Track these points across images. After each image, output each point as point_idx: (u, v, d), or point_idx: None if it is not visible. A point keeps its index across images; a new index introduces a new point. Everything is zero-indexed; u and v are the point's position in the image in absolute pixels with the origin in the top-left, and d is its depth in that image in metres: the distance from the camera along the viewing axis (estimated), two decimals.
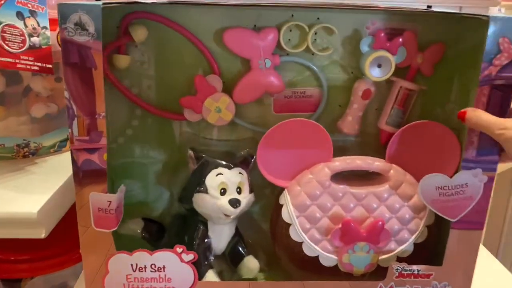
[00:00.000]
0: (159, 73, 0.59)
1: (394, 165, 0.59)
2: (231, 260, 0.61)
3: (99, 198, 0.50)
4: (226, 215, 0.56)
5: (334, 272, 0.58)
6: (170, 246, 0.54)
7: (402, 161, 0.59)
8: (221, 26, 0.57)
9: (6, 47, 0.48)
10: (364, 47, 0.57)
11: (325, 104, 0.62)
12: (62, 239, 0.61)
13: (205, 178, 0.56)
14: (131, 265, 0.53)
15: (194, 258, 0.53)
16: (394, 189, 0.58)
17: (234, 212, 0.55)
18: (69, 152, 0.48)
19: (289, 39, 0.58)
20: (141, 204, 0.65)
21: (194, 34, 0.57)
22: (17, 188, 0.50)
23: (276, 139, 0.57)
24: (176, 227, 0.61)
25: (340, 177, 0.59)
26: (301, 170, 0.58)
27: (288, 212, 0.57)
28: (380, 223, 0.57)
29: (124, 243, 0.55)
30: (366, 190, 0.58)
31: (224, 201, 0.55)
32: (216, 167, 0.56)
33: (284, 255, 0.60)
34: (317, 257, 0.58)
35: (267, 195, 0.64)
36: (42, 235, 0.47)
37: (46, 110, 0.59)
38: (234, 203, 0.55)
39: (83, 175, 0.49)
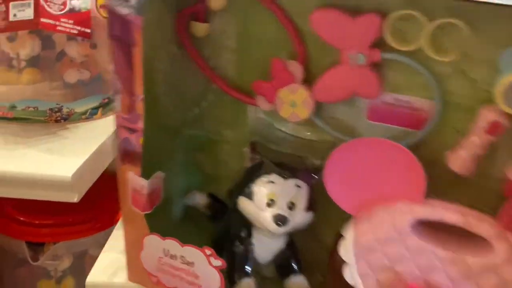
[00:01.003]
0: (239, 48, 0.51)
1: (509, 234, 0.41)
2: (278, 271, 0.54)
3: (134, 179, 0.47)
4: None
5: None
6: (221, 233, 0.50)
7: None
8: (318, 4, 0.45)
9: (47, 8, 0.46)
10: (504, 62, 0.38)
11: (436, 123, 0.46)
12: (87, 207, 0.62)
13: (253, 182, 0.48)
14: (163, 249, 0.51)
15: (222, 265, 0.48)
16: (499, 267, 0.41)
17: (277, 230, 0.47)
18: (100, 119, 0.46)
19: (400, 30, 0.43)
20: (211, 179, 0.61)
21: (282, 8, 0.47)
22: (51, 151, 0.51)
23: (354, 155, 0.46)
24: (229, 216, 0.56)
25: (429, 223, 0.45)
26: (377, 201, 0.46)
27: (347, 248, 0.47)
28: None
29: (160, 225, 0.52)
30: (458, 255, 0.43)
31: (268, 214, 0.47)
32: (269, 173, 0.48)
33: None
34: None
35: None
36: (75, 199, 0.47)
37: (79, 76, 0.58)
38: (279, 220, 0.47)
39: (123, 152, 0.47)
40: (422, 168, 0.43)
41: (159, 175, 0.48)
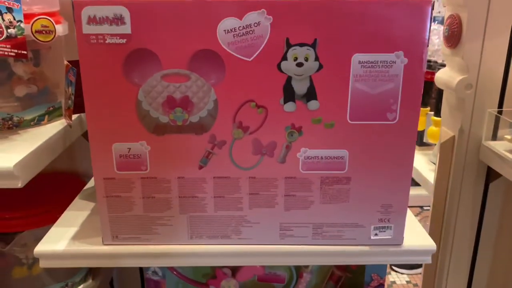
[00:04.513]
0: None
1: None
2: None
3: None
4: None
5: None
6: None
7: None
8: None
9: None
10: None
11: None
12: (45, 201, 0.79)
13: None
14: None
15: None
16: None
17: None
18: (47, 125, 0.69)
19: None
20: None
21: None
22: (1, 151, 0.62)
23: None
24: None
25: None
26: None
27: None
28: None
29: None
30: None
31: None
32: None
33: None
34: None
35: None
36: (19, 185, 0.58)
37: (27, 90, 0.72)
38: None
39: None
40: None
41: None
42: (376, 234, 0.61)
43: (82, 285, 0.87)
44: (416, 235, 0.65)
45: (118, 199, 0.60)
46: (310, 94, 0.55)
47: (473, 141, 0.84)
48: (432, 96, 1.13)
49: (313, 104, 0.55)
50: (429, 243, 0.63)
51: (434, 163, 0.94)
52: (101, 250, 0.62)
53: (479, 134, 0.83)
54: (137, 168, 0.58)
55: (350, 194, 0.59)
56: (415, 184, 1.07)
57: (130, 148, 0.57)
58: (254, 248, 0.62)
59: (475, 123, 0.83)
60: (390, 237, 0.62)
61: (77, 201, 0.77)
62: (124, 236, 0.62)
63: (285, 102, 0.55)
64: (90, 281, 0.88)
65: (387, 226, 0.61)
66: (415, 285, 1.65)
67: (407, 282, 1.68)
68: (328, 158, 0.58)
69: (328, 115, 0.56)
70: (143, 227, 0.61)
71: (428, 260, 0.64)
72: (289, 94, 0.55)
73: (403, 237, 0.62)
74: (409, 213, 0.67)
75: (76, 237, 0.65)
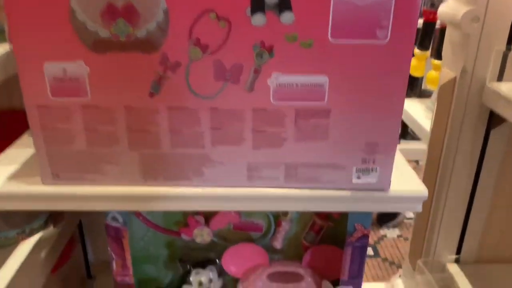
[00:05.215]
0: None
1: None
2: None
3: None
4: None
5: None
6: None
7: None
8: None
9: None
10: None
11: None
12: None
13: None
14: None
15: None
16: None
17: None
18: None
19: None
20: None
21: None
22: None
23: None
24: None
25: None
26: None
27: None
28: None
29: None
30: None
31: None
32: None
33: None
34: None
35: None
36: None
37: None
38: None
39: None
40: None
41: None
42: (358, 177, 0.54)
43: (41, 232, 0.80)
44: (406, 180, 0.57)
45: (55, 130, 0.51)
46: (283, 3, 0.45)
47: (476, 82, 0.75)
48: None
49: (286, 16, 0.46)
50: (420, 189, 0.55)
51: (433, 111, 0.86)
52: (39, 191, 0.54)
53: (484, 75, 0.75)
54: (76, 93, 0.49)
55: (330, 129, 0.51)
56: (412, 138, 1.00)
57: (65, 69, 0.48)
58: (218, 191, 0.54)
59: (479, 62, 0.74)
60: (374, 181, 0.54)
61: (25, 138, 0.68)
62: (66, 175, 0.53)
63: (252, 13, 0.45)
64: (51, 227, 0.81)
65: (372, 168, 0.53)
66: (406, 239, 1.61)
67: (398, 236, 1.64)
68: (305, 85, 0.49)
69: (305, 31, 0.46)
70: (87, 165, 0.53)
71: (418, 208, 0.56)
72: (257, 2, 0.45)
73: (390, 182, 0.54)
74: (399, 155, 0.59)
75: (14, 177, 0.56)
